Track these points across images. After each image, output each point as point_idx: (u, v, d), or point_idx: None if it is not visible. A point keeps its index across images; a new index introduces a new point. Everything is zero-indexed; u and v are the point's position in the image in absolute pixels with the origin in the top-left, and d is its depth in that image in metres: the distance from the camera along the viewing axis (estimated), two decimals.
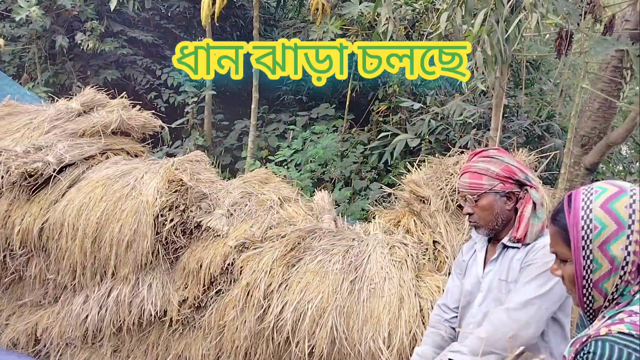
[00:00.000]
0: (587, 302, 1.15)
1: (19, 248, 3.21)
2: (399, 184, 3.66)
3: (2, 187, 3.23)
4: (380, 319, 2.75)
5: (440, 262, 3.12)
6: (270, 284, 2.92)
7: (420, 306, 2.78)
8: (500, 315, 1.68)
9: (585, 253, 1.12)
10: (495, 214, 1.79)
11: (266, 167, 5.36)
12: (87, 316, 3.09)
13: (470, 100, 5.38)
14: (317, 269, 2.95)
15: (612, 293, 1.11)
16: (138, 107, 4.06)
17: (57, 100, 4.08)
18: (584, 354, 1.05)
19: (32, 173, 3.18)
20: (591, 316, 1.17)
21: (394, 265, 2.96)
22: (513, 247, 1.79)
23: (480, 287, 1.86)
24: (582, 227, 1.12)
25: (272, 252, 3.03)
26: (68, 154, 3.35)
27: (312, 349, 2.78)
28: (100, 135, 3.66)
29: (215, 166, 4.16)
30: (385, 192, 3.98)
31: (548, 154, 3.92)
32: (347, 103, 6.86)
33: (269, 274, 2.94)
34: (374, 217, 3.59)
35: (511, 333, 1.65)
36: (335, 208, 3.83)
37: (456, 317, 2.02)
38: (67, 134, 3.60)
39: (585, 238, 1.11)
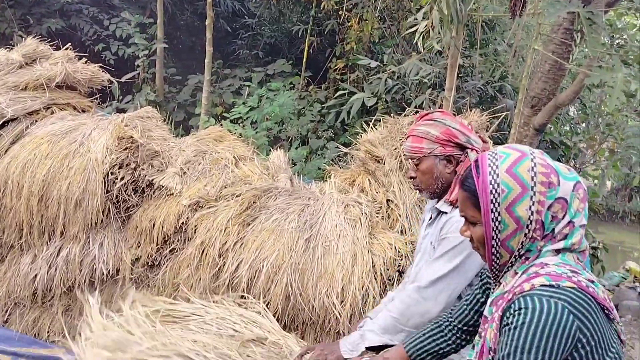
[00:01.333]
0: (495, 259, 1.25)
1: None
2: (355, 143, 3.69)
3: None
4: (334, 275, 2.81)
5: (393, 220, 3.19)
6: (225, 242, 2.92)
7: (372, 262, 2.86)
8: (411, 294, 1.72)
9: (494, 215, 1.20)
10: (435, 177, 1.82)
11: (221, 125, 5.27)
12: (35, 276, 3.01)
13: (427, 60, 5.40)
14: (273, 228, 2.97)
15: (518, 250, 1.21)
16: (85, 59, 3.86)
17: None
18: (513, 310, 1.12)
19: None
20: (496, 272, 1.27)
21: (348, 224, 3.01)
22: (444, 212, 1.82)
23: (420, 247, 1.91)
24: (491, 192, 1.20)
25: (227, 211, 3.01)
26: (10, 109, 3.17)
27: (267, 305, 2.83)
28: (44, 89, 3.48)
29: (167, 123, 4.05)
30: (341, 151, 4.00)
31: (500, 114, 4.02)
32: (305, 59, 6.77)
33: (224, 232, 2.94)
34: (329, 176, 3.61)
35: (422, 310, 1.70)
36: (291, 167, 3.83)
37: None
38: (8, 87, 3.40)
39: (494, 201, 1.20)
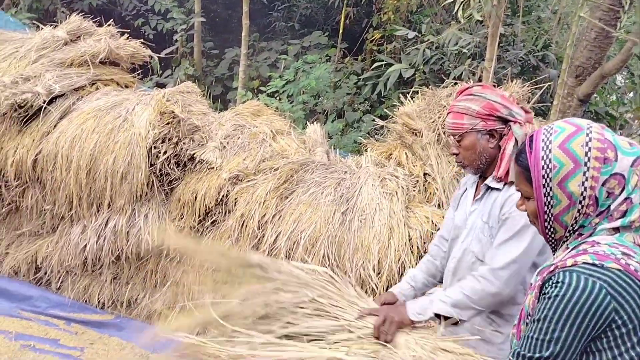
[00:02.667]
0: (549, 233, 1.25)
1: (14, 179, 3.23)
2: (392, 116, 3.67)
3: None
4: (371, 248, 2.85)
5: (430, 193, 3.19)
6: (264, 215, 3.00)
7: (409, 236, 2.88)
8: (485, 274, 1.71)
9: (546, 190, 1.20)
10: (479, 153, 1.79)
11: (258, 99, 5.31)
12: (85, 245, 3.17)
13: (466, 29, 5.26)
14: (310, 201, 3.02)
15: (572, 225, 1.20)
16: (126, 35, 3.94)
17: (42, 28, 3.95)
18: (552, 282, 1.14)
19: (22, 104, 3.15)
20: (554, 245, 1.27)
21: (385, 197, 3.03)
22: (495, 189, 1.80)
23: (466, 223, 1.90)
24: (542, 167, 1.19)
25: (265, 184, 3.08)
26: (57, 85, 3.30)
27: None
28: (89, 65, 3.59)
29: (206, 97, 4.12)
30: (377, 124, 3.99)
31: (542, 85, 3.90)
32: (341, 31, 6.69)
33: (263, 205, 3.01)
34: (366, 150, 3.62)
35: (494, 291, 1.70)
36: (327, 140, 3.85)
37: None
38: (55, 64, 3.52)
39: (545, 177, 1.19)
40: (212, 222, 3.19)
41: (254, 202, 3.03)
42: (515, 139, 1.76)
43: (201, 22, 6.88)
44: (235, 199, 3.09)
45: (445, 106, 3.30)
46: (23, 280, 3.42)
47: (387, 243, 2.86)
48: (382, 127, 3.92)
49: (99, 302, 3.35)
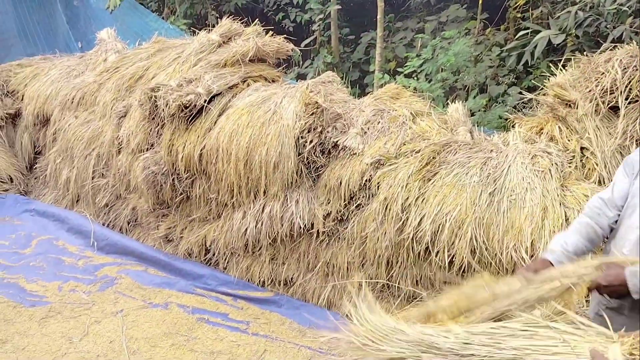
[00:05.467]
0: None
1: (184, 172, 3.66)
2: (541, 88, 3.44)
3: (164, 119, 3.65)
4: (522, 229, 2.73)
5: (589, 169, 2.95)
6: (407, 197, 3.02)
7: (566, 216, 2.70)
8: None
9: None
10: None
11: (395, 80, 5.29)
12: (246, 229, 3.49)
13: None
14: (454, 182, 2.97)
15: None
16: (270, 32, 4.21)
17: (197, 33, 4.37)
18: None
19: (187, 105, 3.54)
20: None
21: (537, 175, 2.87)
22: None
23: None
24: None
25: (407, 168, 3.10)
26: (215, 85, 3.64)
27: (452, 258, 2.88)
28: (240, 64, 3.90)
29: (345, 83, 4.23)
30: (525, 97, 3.76)
31: None
32: (480, 1, 6.36)
33: (406, 188, 3.04)
34: (513, 126, 3.45)
35: None
36: (470, 118, 3.73)
37: (619, 216, 1.84)
38: (212, 65, 3.89)
39: None
40: (356, 206, 3.30)
41: (397, 186, 3.06)
42: None
43: (337, 9, 7.01)
44: (378, 183, 3.15)
45: (603, 73, 3.01)
46: (195, 261, 3.87)
47: (540, 224, 2.72)
48: (530, 100, 3.69)
49: (259, 281, 3.67)
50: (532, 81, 4.35)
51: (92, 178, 4.24)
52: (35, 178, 4.84)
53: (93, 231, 4.08)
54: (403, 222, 3.04)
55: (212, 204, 3.68)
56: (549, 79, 3.34)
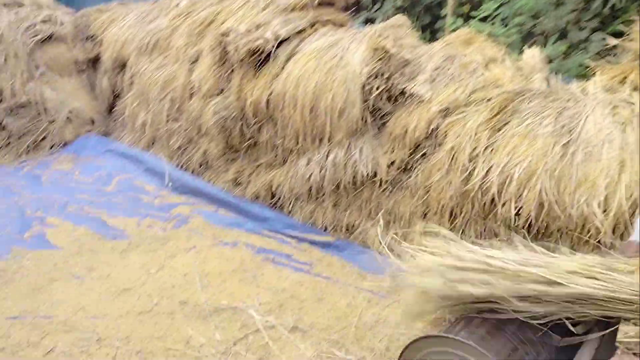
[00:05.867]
0: None
1: (252, 117, 3.74)
2: (628, 33, 3.19)
3: (234, 65, 3.72)
4: (596, 183, 2.62)
5: None
6: (475, 147, 2.96)
7: None
8: None
9: None
10: None
11: (468, 25, 5.06)
12: (310, 175, 3.56)
13: None
14: (526, 133, 2.87)
15: None
16: None
17: None
18: None
19: (256, 50, 3.57)
20: None
21: (616, 127, 2.71)
22: None
23: None
24: None
25: (476, 116, 3.01)
26: (283, 30, 3.64)
27: (519, 210, 2.82)
28: (308, 8, 3.86)
29: (415, 28, 4.09)
30: (609, 43, 3.50)
31: None
32: None
33: (474, 138, 2.97)
34: (593, 74, 3.24)
35: None
36: (547, 65, 3.53)
37: None
38: (280, 10, 3.88)
39: None
40: (422, 155, 3.27)
41: (465, 135, 3.00)
42: None
43: None
44: (445, 131, 3.10)
45: None
46: (262, 204, 4.01)
47: (616, 178, 2.59)
48: (614, 46, 3.43)
49: (322, 225, 3.77)
50: (618, 26, 4.02)
51: (166, 121, 4.43)
52: (115, 120, 5.12)
53: (168, 172, 4.30)
54: (469, 173, 2.99)
55: (278, 149, 3.76)
56: (637, 23, 3.09)
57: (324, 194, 3.67)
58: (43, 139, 4.76)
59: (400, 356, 1.73)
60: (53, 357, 2.46)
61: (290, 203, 3.89)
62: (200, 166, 4.35)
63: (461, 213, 3.11)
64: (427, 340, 1.73)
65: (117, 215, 3.84)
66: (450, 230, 3.18)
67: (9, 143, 4.66)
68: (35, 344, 2.53)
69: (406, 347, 1.73)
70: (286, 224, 3.85)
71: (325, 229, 3.77)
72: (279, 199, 3.92)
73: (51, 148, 4.79)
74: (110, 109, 5.24)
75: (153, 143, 4.65)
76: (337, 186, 3.53)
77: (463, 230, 3.15)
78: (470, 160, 2.98)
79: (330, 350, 2.67)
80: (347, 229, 3.70)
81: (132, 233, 3.64)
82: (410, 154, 3.27)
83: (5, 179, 4.23)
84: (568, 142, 2.77)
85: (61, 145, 4.83)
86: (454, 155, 3.04)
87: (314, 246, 3.70)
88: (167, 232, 3.71)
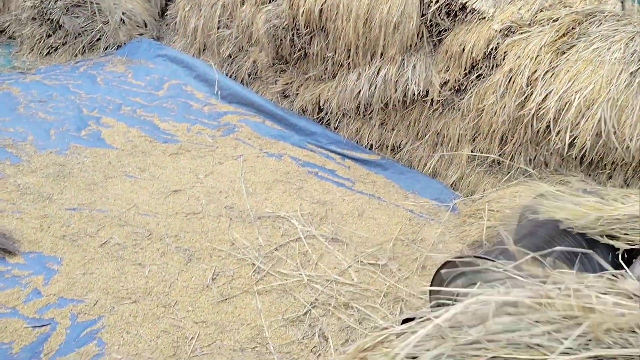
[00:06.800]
0: None
1: (304, 27, 3.65)
2: None
3: None
4: None
5: None
6: (535, 71, 2.82)
7: None
8: None
9: None
10: None
11: None
12: (359, 91, 3.50)
13: None
14: (592, 58, 2.70)
15: None
16: None
17: None
18: None
19: None
20: None
21: None
22: None
23: None
24: None
25: (540, 37, 2.84)
26: None
27: (574, 139, 2.72)
28: None
29: None
30: None
31: None
32: None
33: (535, 60, 2.82)
34: None
35: None
36: None
37: None
38: None
39: None
40: (477, 76, 3.15)
41: (525, 57, 2.85)
42: None
43: None
44: (505, 52, 2.95)
45: None
46: (309, 119, 4.01)
47: None
48: None
49: (368, 144, 3.76)
50: None
51: (217, 28, 4.38)
52: (167, 25, 5.10)
53: (217, 80, 4.32)
54: (526, 97, 2.88)
55: (328, 62, 3.69)
56: None
57: (371, 112, 3.63)
58: (98, 39, 4.82)
59: (436, 274, 1.77)
60: (108, 247, 2.65)
61: (336, 119, 3.87)
62: (249, 76, 4.34)
63: (512, 139, 3.04)
64: (463, 261, 1.76)
65: (168, 120, 3.94)
66: (499, 155, 3.13)
67: (65, 42, 4.75)
68: (92, 235, 2.72)
69: (443, 265, 1.76)
70: (331, 139, 3.86)
71: (371, 147, 3.77)
72: (326, 114, 3.91)
73: (105, 49, 4.85)
74: (163, 12, 5.21)
75: (204, 50, 4.65)
76: (386, 104, 3.48)
77: (512, 156, 3.08)
78: (528, 84, 2.85)
79: (367, 262, 2.76)
80: (392, 149, 3.68)
81: (182, 138, 3.74)
82: (465, 74, 3.15)
83: (62, 77, 4.36)
84: (637, 70, 2.59)
85: (115, 47, 4.89)
86: (511, 78, 2.92)
87: (358, 163, 3.72)
88: (215, 139, 3.79)
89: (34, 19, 4.69)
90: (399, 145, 3.63)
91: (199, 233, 2.83)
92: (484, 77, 3.09)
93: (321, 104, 3.87)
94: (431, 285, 1.80)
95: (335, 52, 3.55)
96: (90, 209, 2.91)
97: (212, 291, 2.47)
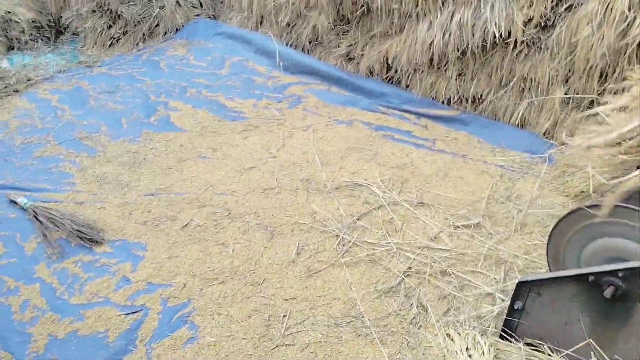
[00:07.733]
0: None
1: None
2: None
3: None
4: None
5: None
6: None
7: None
8: None
9: None
10: None
11: None
12: (431, 42, 3.23)
13: None
14: None
15: None
16: None
17: None
18: None
19: None
20: None
21: None
22: None
23: None
24: None
25: None
26: None
27: None
28: None
29: None
30: None
31: None
32: None
33: None
34: None
35: None
36: None
37: None
38: None
39: None
40: (567, 8, 2.79)
41: None
42: None
43: None
44: None
45: None
46: (377, 80, 3.79)
47: None
48: None
49: (444, 99, 3.49)
50: None
51: None
52: (221, 2, 4.99)
53: (278, 51, 4.17)
54: (629, 24, 2.51)
55: (394, 15, 3.42)
56: None
57: (447, 63, 3.34)
58: (156, 25, 4.79)
59: (556, 226, 1.55)
60: (190, 229, 2.60)
61: (408, 76, 3.62)
62: (310, 43, 4.15)
63: (614, 74, 2.68)
64: (586, 211, 1.52)
65: (233, 98, 3.84)
66: (598, 95, 2.78)
67: (126, 32, 4.76)
68: (173, 218, 2.68)
69: (565, 217, 1.54)
70: (404, 99, 3.62)
71: (448, 102, 3.50)
72: (396, 72, 3.66)
73: (164, 34, 4.82)
74: None
75: (261, 22, 4.50)
76: (463, 52, 3.18)
77: (614, 93, 2.73)
78: (630, 8, 2.48)
79: (460, 225, 2.55)
80: (473, 101, 3.39)
81: (250, 114, 3.64)
82: (552, 7, 2.80)
83: (127, 66, 4.38)
84: None
85: (173, 30, 4.85)
86: (609, 4, 2.55)
87: (435, 121, 3.47)
88: (283, 112, 3.66)
89: (93, 11, 4.73)
90: (480, 96, 3.33)
91: (278, 208, 2.72)
92: (575, 8, 2.74)
93: (389, 62, 3.63)
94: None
95: (402, 2, 3.28)
96: (168, 193, 2.87)
97: (299, 266, 2.36)
